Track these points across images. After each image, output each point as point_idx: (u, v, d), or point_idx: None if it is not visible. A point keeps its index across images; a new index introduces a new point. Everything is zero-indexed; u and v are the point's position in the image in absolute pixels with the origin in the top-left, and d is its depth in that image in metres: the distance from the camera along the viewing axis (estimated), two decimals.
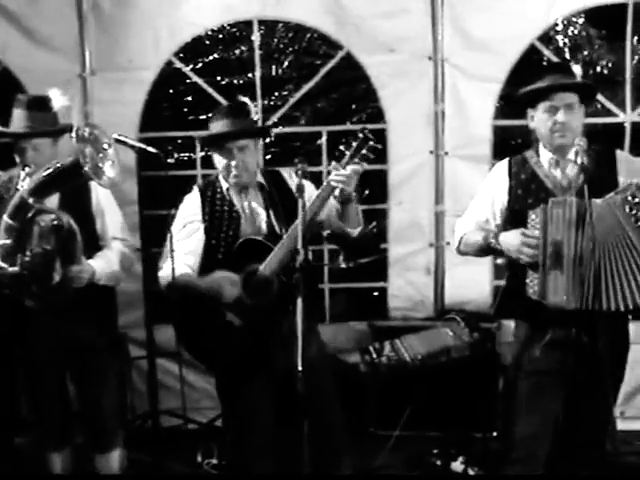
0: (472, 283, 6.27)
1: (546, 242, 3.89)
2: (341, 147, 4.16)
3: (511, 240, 3.98)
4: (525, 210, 4.00)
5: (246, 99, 4.54)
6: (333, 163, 4.15)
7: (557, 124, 4.03)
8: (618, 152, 4.21)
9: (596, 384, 3.97)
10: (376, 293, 7.06)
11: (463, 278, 6.27)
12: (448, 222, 6.13)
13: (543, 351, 4.09)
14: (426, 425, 5.71)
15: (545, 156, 4.16)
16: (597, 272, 3.82)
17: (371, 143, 4.13)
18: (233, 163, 4.33)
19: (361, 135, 4.14)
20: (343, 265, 5.52)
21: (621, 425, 5.81)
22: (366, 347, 5.90)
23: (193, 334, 4.31)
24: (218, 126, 4.39)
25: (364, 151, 4.12)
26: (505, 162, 4.27)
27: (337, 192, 4.13)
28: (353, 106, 8.15)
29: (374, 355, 5.83)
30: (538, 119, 4.12)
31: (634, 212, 3.83)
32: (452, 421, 5.68)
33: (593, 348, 3.95)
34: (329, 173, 4.18)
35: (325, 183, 4.15)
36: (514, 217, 4.11)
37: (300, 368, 3.51)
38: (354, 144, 4.14)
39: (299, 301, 3.61)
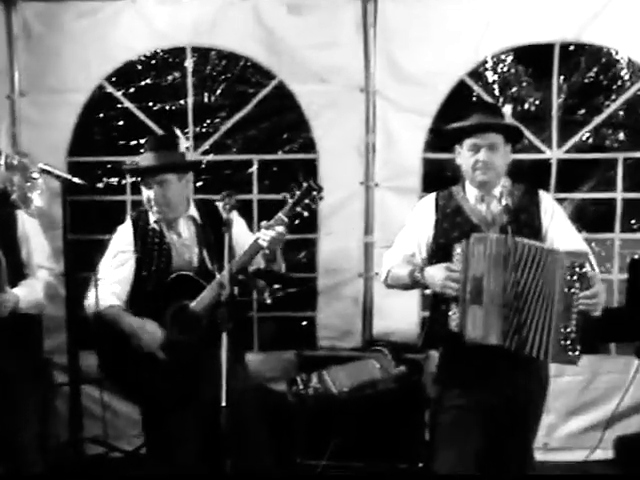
0: (400, 314, 6.29)
1: (467, 277, 3.93)
2: (286, 195, 4.19)
3: (436, 274, 4.01)
4: (450, 244, 4.04)
5: (177, 130, 4.54)
6: (263, 222, 4.19)
7: (479, 162, 4.11)
8: (542, 193, 4.28)
9: (516, 418, 4.02)
10: (304, 322, 7.05)
11: (391, 309, 6.29)
12: (377, 253, 6.15)
13: (463, 386, 4.12)
14: (352, 456, 5.70)
15: (471, 192, 4.22)
16: (517, 314, 3.86)
17: (314, 193, 4.17)
18: (152, 197, 4.31)
19: (305, 184, 4.17)
20: (268, 301, 5.51)
21: (545, 457, 5.91)
22: (293, 378, 5.88)
23: (117, 365, 4.26)
24: (142, 159, 4.38)
25: (306, 200, 4.16)
26: (432, 196, 4.32)
27: (265, 251, 4.17)
28: (285, 135, 8.17)
29: (301, 386, 5.80)
30: (462, 156, 4.19)
31: (573, 278, 3.87)
32: (378, 452, 5.69)
33: (513, 383, 4.00)
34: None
35: (252, 241, 4.17)
36: (440, 251, 4.15)
37: (224, 404, 3.50)
38: (297, 193, 4.17)
39: (224, 336, 3.61)
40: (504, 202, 3.97)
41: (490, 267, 3.90)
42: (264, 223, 4.20)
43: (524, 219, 4.13)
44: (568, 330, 3.87)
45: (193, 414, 4.23)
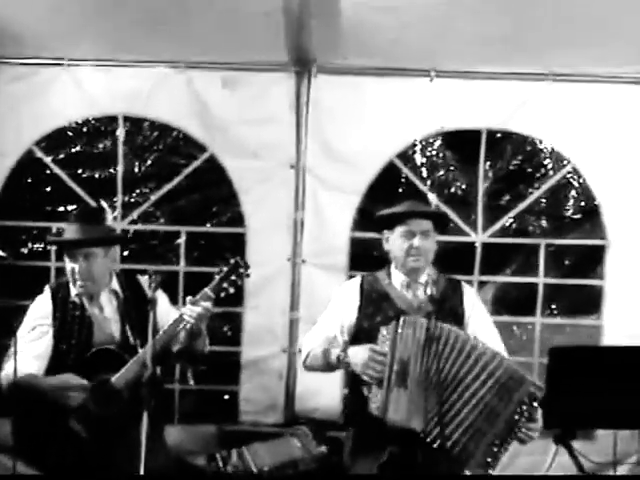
0: (323, 390, 6.27)
1: (394, 359, 3.94)
2: (214, 271, 4.21)
3: (360, 355, 4.00)
4: (374, 328, 4.06)
5: (104, 203, 4.53)
6: (189, 297, 4.19)
7: (413, 249, 4.16)
8: (464, 284, 4.36)
9: None
10: (227, 396, 6.98)
11: (314, 384, 6.26)
12: (302, 329, 6.15)
13: (380, 468, 4.10)
14: None
15: (397, 277, 4.26)
16: (442, 400, 3.87)
17: (241, 270, 4.19)
18: (77, 269, 4.28)
19: (232, 261, 4.19)
20: (191, 382, 5.47)
21: None
22: (213, 454, 5.80)
23: (32, 439, 4.17)
24: (68, 231, 4.34)
25: (233, 277, 4.18)
26: (357, 280, 4.35)
27: (187, 327, 4.15)
28: (214, 208, 8.18)
29: (220, 463, 5.72)
30: (393, 241, 4.23)
31: (526, 408, 3.93)
32: None
33: (429, 466, 4.00)
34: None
35: (177, 317, 4.16)
36: (362, 335, 4.16)
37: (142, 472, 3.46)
38: (224, 269, 4.19)
39: (144, 415, 3.57)
40: (429, 291, 4.01)
41: (418, 351, 3.92)
42: (190, 299, 4.18)
43: (448, 308, 4.19)
44: (498, 449, 3.93)
45: None
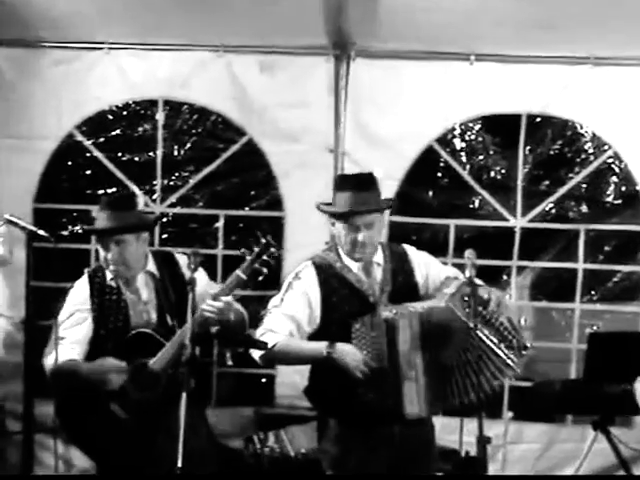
0: None
1: (397, 355, 3.92)
2: (243, 250, 4.15)
3: (352, 354, 3.93)
4: (343, 318, 4.01)
5: (136, 189, 4.53)
6: (211, 291, 4.14)
7: (358, 242, 4.07)
8: (407, 248, 4.29)
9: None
10: (264, 380, 7.01)
11: None
12: None
13: (365, 451, 4.07)
14: None
15: (348, 261, 4.17)
16: (450, 377, 3.90)
17: (272, 249, 4.14)
18: (109, 257, 4.30)
19: (263, 240, 4.14)
20: (230, 362, 5.46)
21: None
22: (250, 436, 5.82)
23: (75, 422, 4.21)
24: (99, 218, 4.36)
25: (265, 257, 4.12)
26: (310, 268, 4.20)
27: (213, 330, 4.14)
28: (252, 192, 8.17)
29: (258, 445, 5.73)
30: (339, 231, 4.13)
31: (469, 310, 3.90)
32: None
33: (414, 443, 4.03)
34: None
35: (198, 314, 4.07)
36: (334, 326, 4.07)
37: (180, 465, 3.48)
38: (255, 249, 4.14)
39: (184, 396, 3.58)
40: (383, 267, 4.06)
41: (414, 341, 3.92)
42: (211, 292, 4.14)
43: (402, 279, 4.14)
44: (509, 338, 3.94)
45: (150, 473, 4.18)
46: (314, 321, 4.10)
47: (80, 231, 7.91)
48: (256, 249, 4.12)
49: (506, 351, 3.94)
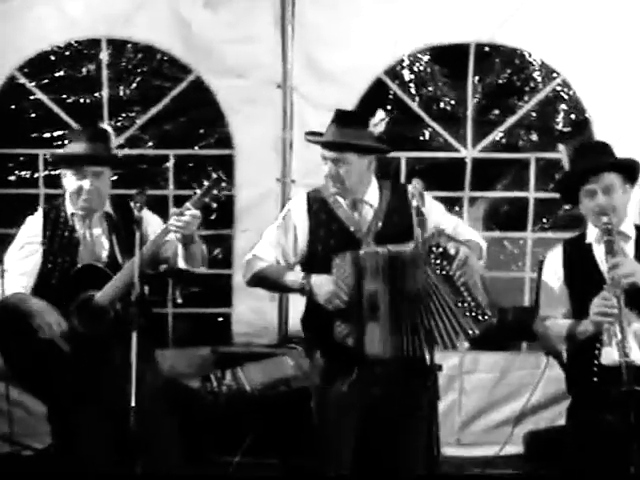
0: None
1: (362, 293, 3.92)
2: (193, 186, 4.16)
3: (324, 286, 3.94)
4: (328, 252, 4.01)
5: (108, 127, 4.48)
6: (172, 209, 4.15)
7: (330, 176, 4.09)
8: (409, 186, 4.26)
9: (404, 418, 4.05)
10: (220, 319, 7.02)
11: None
12: None
13: (348, 389, 4.09)
14: (266, 452, 5.70)
15: (340, 197, 4.18)
16: (411, 321, 3.89)
17: (223, 184, 4.14)
18: (86, 187, 4.24)
19: (214, 175, 4.15)
20: (179, 300, 5.47)
21: (458, 452, 5.99)
22: (207, 375, 5.86)
23: (21, 358, 4.19)
24: (76, 147, 4.30)
25: (215, 191, 4.12)
26: (303, 198, 4.24)
27: (178, 235, 4.12)
28: (201, 130, 8.09)
29: (215, 383, 5.78)
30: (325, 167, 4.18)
31: (439, 261, 3.92)
32: (291, 449, 5.69)
33: (400, 383, 4.03)
34: (175, 198, 4.17)
35: (163, 227, 4.13)
36: (317, 260, 4.09)
37: (133, 404, 3.48)
38: (206, 184, 4.14)
39: (134, 335, 3.56)
40: (374, 206, 4.00)
41: (383, 282, 3.91)
42: (174, 210, 4.15)
43: (397, 220, 4.13)
44: (466, 303, 3.92)
45: (100, 410, 4.17)
46: (300, 252, 4.15)
47: (29, 175, 7.80)
48: (206, 183, 4.13)
49: (460, 316, 3.95)
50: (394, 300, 3.91)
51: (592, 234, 3.98)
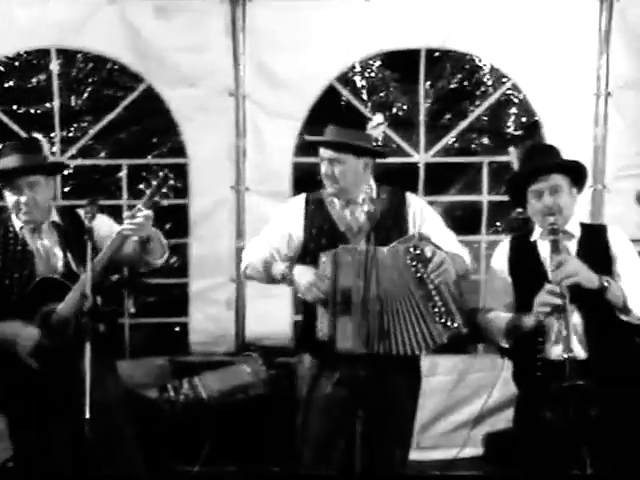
0: (273, 317, 6.32)
1: (336, 288, 3.97)
2: (141, 186, 4.16)
3: (304, 276, 4.03)
4: (318, 250, 4.08)
5: (39, 135, 4.45)
6: (125, 213, 4.15)
7: (325, 175, 4.16)
8: (409, 196, 4.34)
9: (384, 420, 4.07)
10: (177, 328, 6.99)
11: (264, 312, 6.30)
12: None
13: (333, 388, 4.16)
14: (225, 461, 5.69)
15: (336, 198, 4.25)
16: (382, 319, 3.94)
17: (171, 182, 4.16)
18: (23, 200, 4.22)
19: (161, 174, 4.15)
20: (132, 310, 5.45)
21: (417, 455, 6.00)
22: (164, 385, 5.84)
23: None
24: (7, 161, 4.27)
25: (164, 190, 4.14)
26: (302, 198, 4.35)
27: (134, 239, 4.11)
28: (154, 140, 8.05)
29: (172, 393, 5.77)
30: (321, 167, 4.23)
31: (414, 263, 3.95)
32: (251, 456, 5.69)
33: (380, 386, 4.05)
34: (129, 207, 4.16)
35: (116, 233, 4.12)
36: (307, 255, 4.18)
37: (87, 415, 3.51)
38: (154, 183, 4.15)
39: (87, 345, 3.57)
40: (365, 208, 4.02)
41: (358, 278, 3.94)
42: (126, 214, 4.15)
43: (390, 224, 4.18)
44: (437, 308, 3.97)
45: (61, 424, 4.14)
46: (295, 247, 4.26)
47: None
48: (154, 183, 4.13)
49: (429, 320, 3.99)
50: (367, 297, 3.93)
51: (538, 233, 4.10)
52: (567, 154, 6.06)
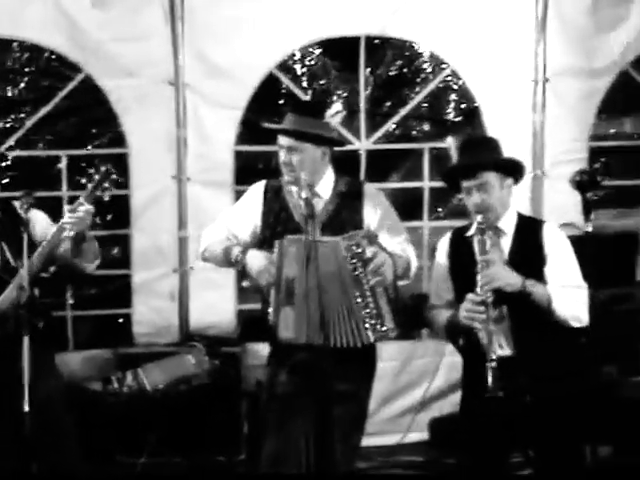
0: (216, 308, 6.31)
1: (281, 278, 3.98)
2: (83, 180, 4.10)
3: (257, 260, 4.02)
4: (274, 238, 4.06)
5: None
6: (66, 206, 4.09)
7: (283, 163, 4.15)
8: (367, 186, 4.31)
9: (337, 406, 4.08)
10: (121, 320, 6.94)
11: (207, 303, 6.29)
12: (191, 247, 6.13)
13: (288, 375, 4.16)
14: (171, 452, 5.67)
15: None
16: (320, 312, 3.90)
17: (113, 176, 4.11)
18: None
19: (103, 168, 4.11)
20: (71, 301, 5.40)
21: (363, 441, 6.04)
22: (108, 377, 5.81)
23: None
24: None
25: (106, 184, 4.10)
26: (262, 185, 4.30)
27: (71, 233, 4.06)
28: (93, 130, 7.98)
29: (116, 385, 5.75)
30: (279, 154, 4.22)
31: (354, 261, 3.95)
32: (196, 447, 5.68)
33: (334, 372, 4.06)
34: (69, 199, 4.11)
35: (56, 227, 4.07)
36: (264, 243, 4.16)
37: (27, 409, 3.46)
38: (96, 177, 4.10)
39: (25, 339, 3.53)
40: (304, 195, 4.01)
41: (301, 269, 3.94)
42: (67, 207, 4.09)
43: (347, 214, 4.17)
44: (369, 309, 3.96)
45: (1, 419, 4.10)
46: (253, 234, 4.22)
47: None
48: (96, 177, 4.09)
49: (360, 320, 3.98)
50: (308, 288, 3.93)
51: (473, 227, 4.04)
52: (506, 140, 6.18)
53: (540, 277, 3.92)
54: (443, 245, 4.20)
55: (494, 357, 3.74)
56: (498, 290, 3.81)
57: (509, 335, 3.89)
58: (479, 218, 3.91)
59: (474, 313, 3.82)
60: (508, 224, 4.04)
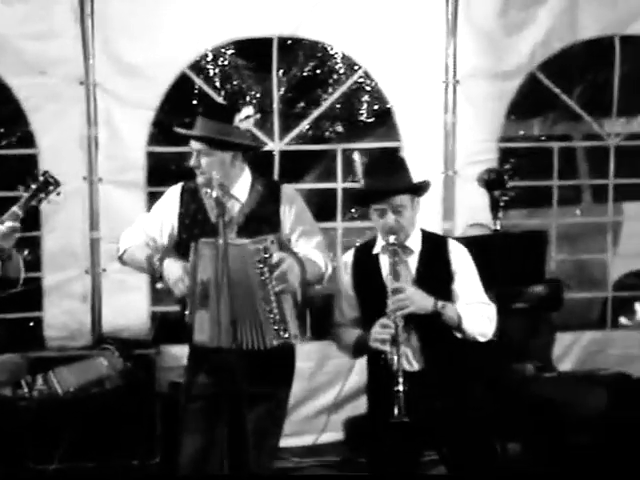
0: (130, 309, 6.26)
1: (196, 281, 3.97)
2: (20, 188, 4.04)
3: (173, 270, 4.01)
4: (190, 240, 4.05)
5: None
6: None
7: (193, 166, 4.14)
8: (284, 188, 4.31)
9: (255, 407, 4.08)
10: (32, 323, 6.82)
11: (120, 305, 6.23)
12: (104, 249, 6.06)
13: (205, 376, 4.16)
14: (84, 457, 5.60)
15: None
16: (231, 315, 3.90)
17: (51, 187, 4.05)
18: None
19: (42, 178, 4.04)
20: None
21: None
22: (18, 381, 5.71)
23: None
24: None
25: (42, 194, 4.03)
26: (179, 187, 4.29)
27: None
28: (2, 129, 7.83)
29: (26, 389, 5.66)
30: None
31: (261, 266, 3.95)
32: (109, 451, 5.62)
33: (252, 373, 4.05)
34: None
35: None
36: (181, 247, 4.15)
37: None
38: (32, 186, 4.03)
39: None
40: (214, 195, 4.00)
41: (214, 272, 3.93)
42: None
43: (264, 215, 4.16)
44: (273, 314, 3.97)
45: None
46: (170, 236, 4.21)
47: None
48: (33, 186, 4.01)
49: (265, 324, 3.99)
50: (219, 291, 3.92)
51: (380, 245, 4.06)
52: (419, 140, 6.27)
53: (448, 293, 3.97)
54: (347, 262, 4.19)
55: (401, 381, 3.76)
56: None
57: (417, 351, 3.95)
58: (392, 239, 3.92)
59: (385, 336, 3.83)
60: (415, 242, 4.06)
